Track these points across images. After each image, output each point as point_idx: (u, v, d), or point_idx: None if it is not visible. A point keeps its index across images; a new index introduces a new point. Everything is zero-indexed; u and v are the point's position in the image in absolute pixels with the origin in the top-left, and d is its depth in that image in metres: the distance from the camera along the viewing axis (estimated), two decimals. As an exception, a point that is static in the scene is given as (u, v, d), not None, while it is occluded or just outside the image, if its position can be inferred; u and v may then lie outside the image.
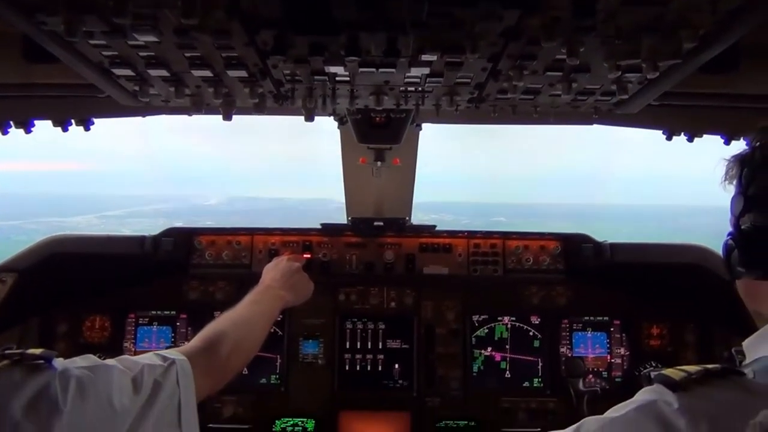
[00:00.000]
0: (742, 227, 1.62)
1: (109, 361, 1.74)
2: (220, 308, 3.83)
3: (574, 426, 1.69)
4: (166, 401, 1.78)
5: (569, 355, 3.92)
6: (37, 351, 1.58)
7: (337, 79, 1.93)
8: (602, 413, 1.70)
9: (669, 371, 1.57)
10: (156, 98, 2.14)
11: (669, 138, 2.75)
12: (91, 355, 1.74)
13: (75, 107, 2.54)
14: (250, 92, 2.02)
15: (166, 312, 3.94)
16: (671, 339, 3.98)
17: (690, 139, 2.71)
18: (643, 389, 1.64)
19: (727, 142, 2.62)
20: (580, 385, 3.19)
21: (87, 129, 2.64)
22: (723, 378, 1.52)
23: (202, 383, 1.95)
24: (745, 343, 1.78)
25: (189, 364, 1.91)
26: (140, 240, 3.63)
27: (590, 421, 1.65)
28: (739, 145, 2.65)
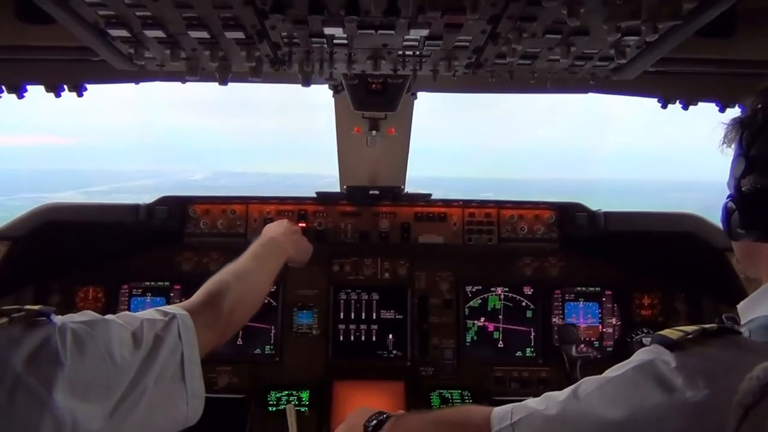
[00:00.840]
0: (743, 189, 1.63)
1: (108, 316, 1.74)
2: (214, 278, 3.90)
3: (573, 386, 1.72)
4: (168, 355, 1.77)
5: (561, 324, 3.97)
6: (36, 306, 1.57)
7: (335, 42, 1.92)
8: None
9: (666, 331, 1.60)
10: (151, 62, 2.12)
11: (664, 106, 2.75)
12: (89, 311, 1.73)
13: (68, 72, 2.51)
14: (247, 56, 2.00)
15: (159, 283, 3.93)
16: (662, 309, 4.03)
17: (685, 107, 2.72)
18: (640, 350, 1.66)
19: (722, 109, 2.63)
20: (573, 351, 3.23)
21: (80, 95, 2.61)
22: (719, 337, 1.54)
23: (206, 337, 1.95)
24: (740, 306, 1.81)
25: (190, 319, 1.89)
26: (134, 208, 3.60)
27: (588, 381, 1.68)
28: (734, 112, 2.68)
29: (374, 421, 2.29)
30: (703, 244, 3.50)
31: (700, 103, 2.70)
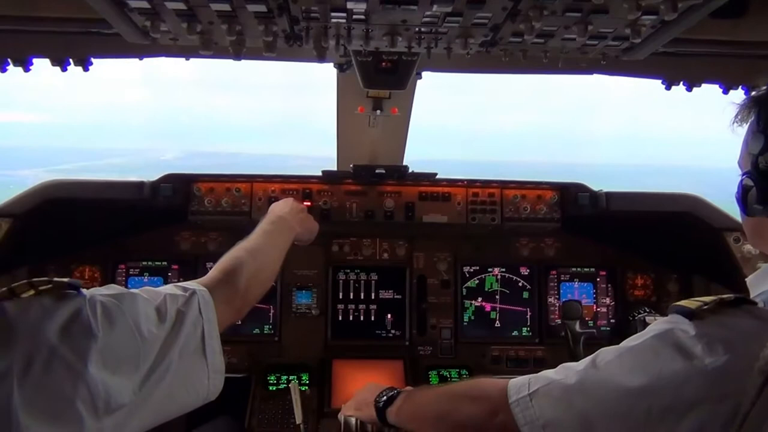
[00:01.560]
0: (761, 166, 1.67)
1: (133, 290, 1.75)
2: (213, 259, 3.86)
3: (590, 357, 1.76)
4: (190, 330, 1.79)
5: (557, 305, 4.04)
6: (64, 279, 1.57)
7: (354, 17, 1.92)
8: None
9: (684, 302, 1.65)
10: (165, 36, 2.10)
11: (668, 87, 2.79)
12: (114, 285, 1.74)
13: (75, 45, 2.47)
14: (265, 30, 1.99)
15: (157, 263, 3.92)
16: (654, 289, 4.12)
17: (689, 89, 2.76)
18: (657, 320, 1.71)
19: (726, 91, 2.67)
20: (577, 327, 3.29)
21: (86, 69, 2.58)
22: (736, 307, 1.59)
23: (223, 313, 1.97)
24: (749, 279, 1.86)
25: (209, 294, 1.92)
26: (139, 185, 3.57)
27: (607, 351, 1.73)
28: (737, 95, 2.73)
29: (385, 397, 2.33)
30: (702, 224, 3.57)
31: (703, 85, 2.74)
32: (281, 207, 2.90)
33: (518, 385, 1.82)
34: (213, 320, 1.89)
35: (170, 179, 3.60)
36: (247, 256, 2.29)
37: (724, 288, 3.74)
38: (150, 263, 3.91)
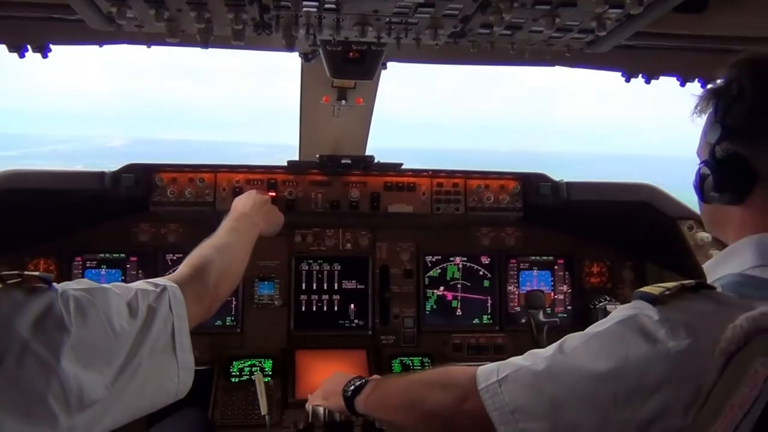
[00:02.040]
0: (718, 155, 1.74)
1: (105, 285, 1.72)
2: (173, 251, 3.85)
3: (557, 343, 1.80)
4: (161, 326, 1.77)
5: (517, 293, 4.12)
6: (35, 272, 1.54)
7: (325, 6, 1.92)
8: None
9: (647, 288, 1.71)
10: (130, 23, 2.06)
11: (627, 80, 2.86)
12: (85, 279, 1.71)
13: (34, 31, 2.40)
14: (235, 18, 1.97)
15: (115, 255, 3.83)
16: (610, 276, 4.24)
17: (647, 81, 2.84)
18: (621, 306, 1.76)
19: (683, 84, 2.76)
20: (540, 317, 3.37)
21: (45, 56, 2.50)
22: (696, 292, 1.65)
23: (194, 310, 1.95)
24: (706, 265, 1.93)
25: (180, 291, 1.90)
26: (100, 176, 3.48)
27: (573, 337, 1.77)
28: (694, 87, 2.82)
29: (353, 386, 2.34)
30: (657, 213, 3.70)
31: (661, 77, 2.82)
32: (244, 202, 2.89)
33: (487, 372, 1.84)
34: (183, 317, 1.87)
35: (132, 169, 3.52)
36: (215, 253, 2.28)
37: (677, 274, 3.88)
38: (107, 255, 3.82)
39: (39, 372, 1.41)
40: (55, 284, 1.55)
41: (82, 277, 3.76)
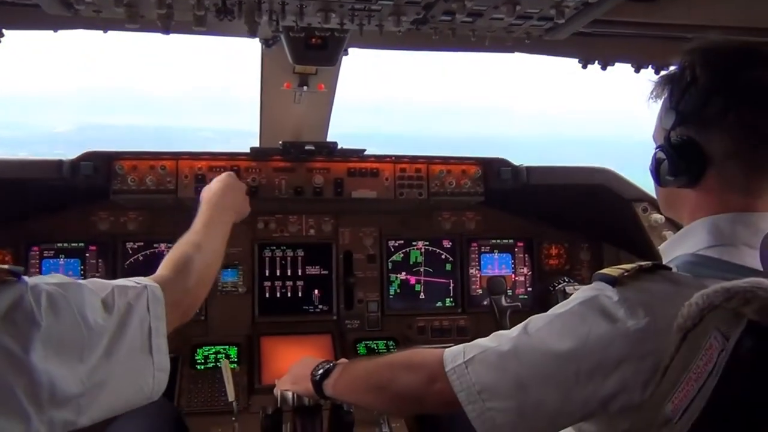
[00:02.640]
0: (672, 140, 1.81)
1: (79, 281, 1.69)
2: (133, 239, 3.80)
3: (521, 324, 1.86)
4: (137, 324, 1.76)
5: (478, 275, 4.20)
6: (5, 266, 1.51)
7: (289, -8, 1.92)
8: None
9: (607, 270, 1.78)
10: (88, 8, 2.02)
11: (584, 66, 2.93)
12: (58, 274, 1.70)
13: (-14, 17, 2.33)
14: (197, 4, 1.95)
15: (73, 244, 3.76)
16: (568, 258, 4.35)
17: (603, 68, 2.91)
18: (582, 288, 1.83)
19: (637, 70, 2.84)
20: (503, 302, 3.46)
21: (-3, 42, 2.43)
22: (653, 273, 1.73)
23: (171, 314, 1.93)
24: (662, 247, 2.01)
25: (161, 291, 1.89)
26: (58, 164, 3.39)
27: (537, 318, 1.83)
28: (648, 73, 2.91)
29: (321, 370, 2.35)
30: (613, 196, 3.81)
31: (616, 64, 2.90)
32: (220, 191, 2.76)
33: (454, 353, 1.88)
34: (161, 317, 1.86)
35: (91, 157, 3.44)
36: (194, 251, 2.24)
37: (632, 255, 4.01)
38: (66, 245, 3.75)
39: (7, 366, 1.39)
40: (25, 277, 1.53)
41: (39, 267, 3.70)
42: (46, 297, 1.52)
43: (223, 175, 2.91)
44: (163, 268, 2.13)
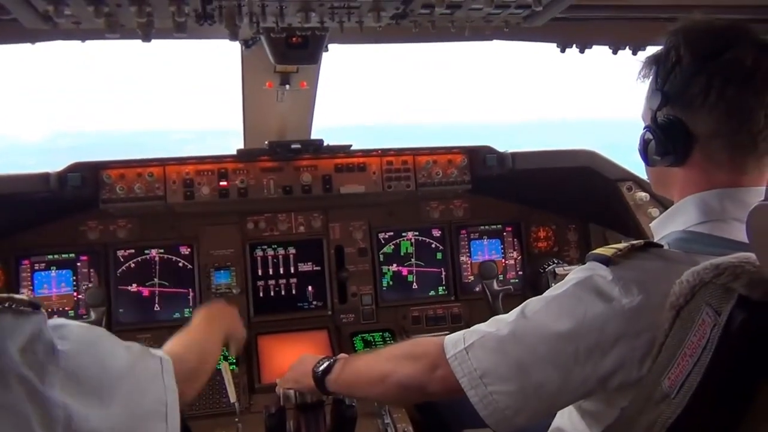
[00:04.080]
0: (659, 120, 1.84)
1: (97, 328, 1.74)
2: (123, 247, 3.79)
3: (518, 308, 1.89)
4: (153, 388, 1.78)
5: (469, 262, 4.24)
6: (24, 297, 1.53)
7: (269, -5, 1.92)
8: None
9: (600, 250, 1.81)
10: (68, 20, 2.01)
11: (562, 50, 2.96)
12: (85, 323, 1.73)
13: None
14: (177, 11, 1.95)
15: (64, 255, 3.75)
16: (556, 239, 4.40)
17: (581, 51, 2.94)
18: (576, 268, 1.87)
19: (615, 52, 2.88)
20: (495, 286, 3.50)
21: (-25, 58, 2.42)
22: (645, 251, 1.77)
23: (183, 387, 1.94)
24: (653, 224, 2.05)
25: (172, 365, 1.90)
26: (45, 177, 3.38)
27: (533, 301, 1.87)
28: (625, 54, 2.95)
29: (322, 366, 2.38)
30: (598, 177, 3.86)
31: (594, 47, 2.93)
32: (208, 307, 2.74)
33: (454, 340, 1.91)
34: (173, 389, 1.85)
35: (77, 168, 3.43)
36: (191, 349, 2.25)
37: (619, 233, 4.07)
38: (56, 256, 3.73)
39: (25, 396, 1.40)
40: (42, 310, 1.55)
41: (31, 280, 3.68)
42: (66, 331, 1.55)
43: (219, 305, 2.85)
44: (167, 350, 2.12)
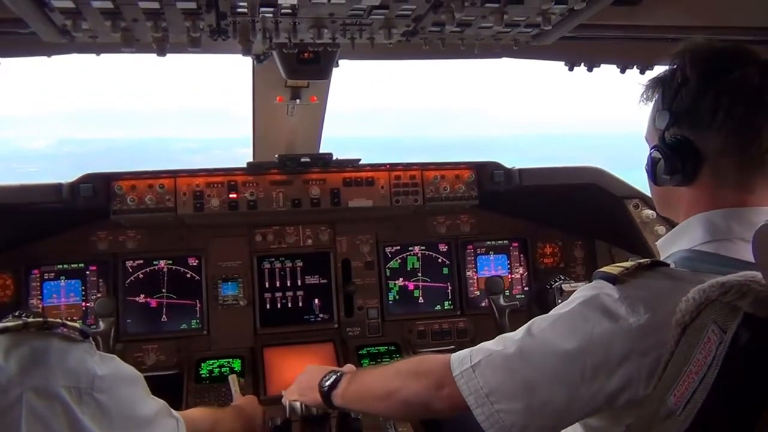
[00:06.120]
0: (667, 140, 1.86)
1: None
2: (132, 257, 3.82)
3: (524, 326, 1.90)
4: None
5: (475, 277, 4.25)
6: (77, 325, 1.64)
7: (282, 11, 1.95)
8: (519, 325, 1.93)
9: (607, 268, 1.82)
10: (85, 34, 2.05)
11: (570, 69, 2.98)
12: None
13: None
14: (192, 26, 1.98)
15: (74, 265, 3.78)
16: (562, 256, 4.41)
17: (589, 70, 2.97)
18: (583, 287, 1.87)
19: (622, 71, 2.90)
20: (501, 301, 3.51)
21: (-7, 70, 2.46)
22: (652, 270, 1.77)
23: None
24: (660, 243, 2.05)
25: (185, 427, 2.01)
26: (57, 188, 3.42)
27: (540, 320, 1.87)
28: (632, 74, 2.97)
29: (328, 381, 2.38)
30: (605, 194, 3.88)
31: (602, 66, 2.96)
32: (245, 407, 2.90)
33: (460, 358, 1.92)
34: None
35: (90, 179, 3.47)
36: (201, 420, 2.37)
37: (625, 250, 4.08)
38: (66, 266, 3.77)
39: (63, 418, 1.49)
40: (90, 339, 1.64)
41: (41, 290, 3.72)
42: (114, 366, 1.67)
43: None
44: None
